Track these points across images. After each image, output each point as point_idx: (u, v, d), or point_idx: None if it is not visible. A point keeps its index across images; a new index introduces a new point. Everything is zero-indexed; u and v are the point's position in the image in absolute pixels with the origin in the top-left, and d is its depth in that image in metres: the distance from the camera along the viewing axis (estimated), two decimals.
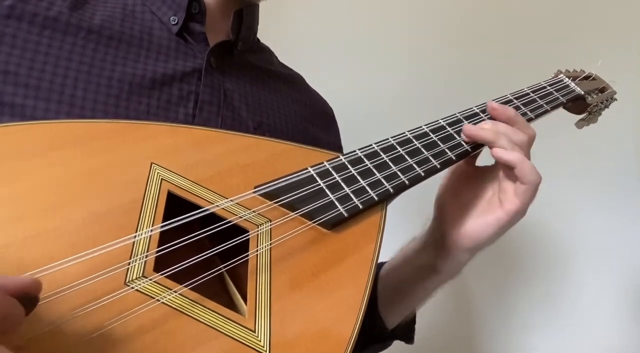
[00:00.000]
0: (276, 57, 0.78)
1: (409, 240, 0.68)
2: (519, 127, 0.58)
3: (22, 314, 0.29)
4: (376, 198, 0.51)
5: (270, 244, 0.44)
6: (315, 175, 0.51)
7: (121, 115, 0.53)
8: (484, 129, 0.57)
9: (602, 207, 1.17)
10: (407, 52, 1.25)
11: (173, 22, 0.61)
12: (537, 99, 0.67)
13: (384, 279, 0.68)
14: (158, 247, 0.39)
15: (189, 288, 0.39)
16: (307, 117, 0.73)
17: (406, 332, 0.72)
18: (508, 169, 0.56)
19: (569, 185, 1.14)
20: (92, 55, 0.54)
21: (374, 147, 0.55)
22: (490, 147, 0.56)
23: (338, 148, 0.76)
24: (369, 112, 1.20)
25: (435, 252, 0.61)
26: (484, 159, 0.62)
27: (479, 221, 0.57)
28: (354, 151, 0.55)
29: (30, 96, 0.50)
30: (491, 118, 0.60)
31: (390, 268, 0.69)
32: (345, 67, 1.25)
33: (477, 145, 0.59)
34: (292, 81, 0.77)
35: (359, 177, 0.52)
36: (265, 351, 0.38)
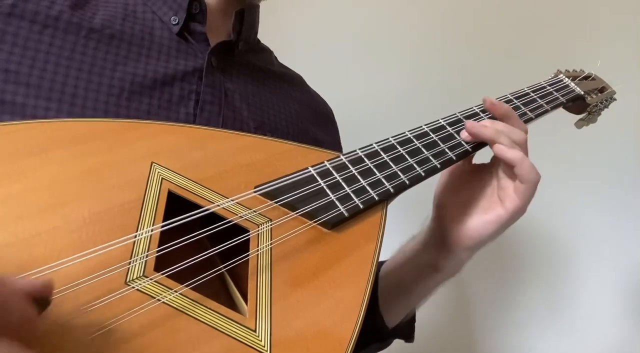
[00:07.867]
0: (276, 58, 0.78)
1: (407, 240, 0.68)
2: (512, 122, 0.58)
3: (37, 316, 0.29)
4: (377, 198, 0.51)
5: (271, 244, 0.44)
6: (315, 174, 0.51)
7: (122, 115, 0.52)
8: (485, 127, 0.57)
9: (602, 206, 1.17)
10: (408, 52, 1.25)
11: (174, 22, 0.61)
12: (537, 99, 0.67)
13: (384, 278, 0.68)
14: (158, 246, 0.39)
15: (189, 288, 0.39)
16: (307, 118, 0.73)
17: (407, 330, 0.72)
18: (507, 167, 0.56)
19: (569, 185, 1.14)
20: (93, 55, 0.54)
21: (374, 147, 0.55)
22: (491, 145, 0.56)
23: (338, 148, 0.76)
24: (370, 112, 1.20)
25: (436, 251, 0.62)
26: (480, 157, 0.62)
27: (480, 219, 0.58)
28: (355, 151, 0.55)
29: (31, 95, 0.50)
30: (491, 118, 0.60)
31: (391, 268, 0.69)
32: (345, 67, 1.25)
33: (477, 145, 0.59)
34: (293, 81, 0.76)
35: (359, 177, 0.52)
36: (266, 351, 0.38)
